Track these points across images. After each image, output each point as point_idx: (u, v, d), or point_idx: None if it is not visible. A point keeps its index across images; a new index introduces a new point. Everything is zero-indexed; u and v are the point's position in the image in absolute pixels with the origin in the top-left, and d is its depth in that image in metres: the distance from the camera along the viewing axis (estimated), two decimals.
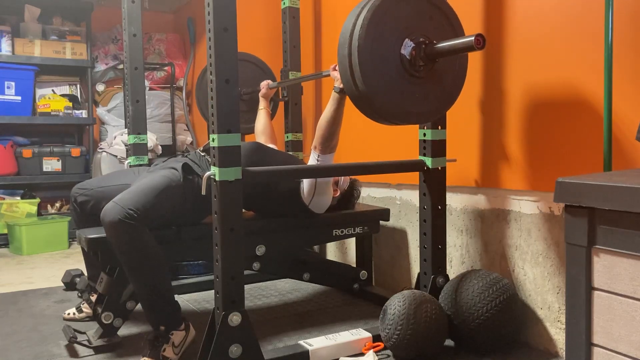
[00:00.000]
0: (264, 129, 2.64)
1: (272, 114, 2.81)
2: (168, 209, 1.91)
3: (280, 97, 2.97)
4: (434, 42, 1.62)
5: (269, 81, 2.74)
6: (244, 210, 1.99)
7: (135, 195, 1.81)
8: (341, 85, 1.83)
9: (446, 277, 2.01)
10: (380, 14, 1.56)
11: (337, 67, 1.91)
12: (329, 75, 2.11)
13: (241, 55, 2.93)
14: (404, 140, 2.36)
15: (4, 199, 4.06)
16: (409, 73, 1.62)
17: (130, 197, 1.80)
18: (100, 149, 4.24)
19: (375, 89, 1.57)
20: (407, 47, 1.61)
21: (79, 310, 2.30)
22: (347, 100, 1.79)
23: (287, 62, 2.92)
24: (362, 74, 1.54)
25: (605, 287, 1.06)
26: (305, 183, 2.09)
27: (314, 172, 2.04)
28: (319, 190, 2.11)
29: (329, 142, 2.02)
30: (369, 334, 1.90)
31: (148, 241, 1.78)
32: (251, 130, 2.82)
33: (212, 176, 1.63)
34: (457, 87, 1.75)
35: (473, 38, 1.50)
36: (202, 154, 2.12)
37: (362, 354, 1.84)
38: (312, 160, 2.06)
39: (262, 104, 2.71)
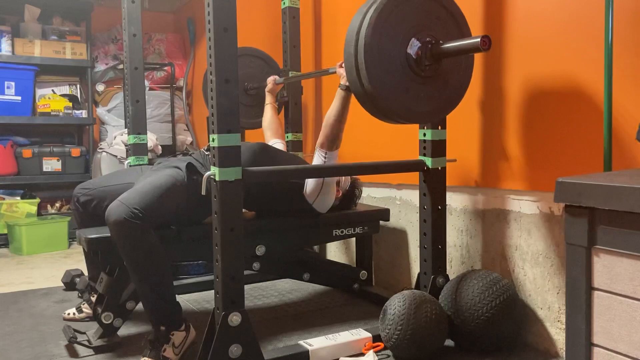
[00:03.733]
0: (269, 124, 2.68)
1: (278, 109, 2.83)
2: (172, 209, 1.91)
3: (281, 97, 2.97)
4: (440, 42, 1.62)
5: (276, 77, 2.76)
6: (244, 210, 1.99)
7: (140, 194, 1.81)
8: (347, 83, 1.83)
9: (446, 277, 2.01)
10: (387, 12, 1.56)
11: (343, 65, 1.91)
12: (335, 72, 2.12)
13: (248, 50, 2.96)
14: (404, 140, 2.36)
15: (4, 199, 4.06)
16: (414, 72, 1.62)
17: (135, 196, 1.80)
18: (100, 149, 4.24)
19: (380, 87, 1.57)
20: (413, 47, 1.61)
21: (79, 310, 2.30)
22: (353, 98, 1.79)
23: (287, 62, 2.92)
24: (367, 72, 1.54)
25: (605, 287, 1.06)
26: (311, 182, 2.09)
27: (314, 172, 2.04)
28: (325, 190, 2.12)
29: (335, 139, 2.03)
30: (369, 334, 1.90)
31: (152, 241, 1.78)
32: (257, 125, 2.86)
33: (212, 176, 1.63)
34: (462, 87, 1.76)
35: (479, 39, 1.50)
36: (207, 153, 2.12)
37: (362, 354, 1.84)
38: (318, 158, 2.06)
39: (268, 99, 2.74)
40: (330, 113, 2.01)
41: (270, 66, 3.02)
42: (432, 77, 1.66)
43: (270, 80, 2.75)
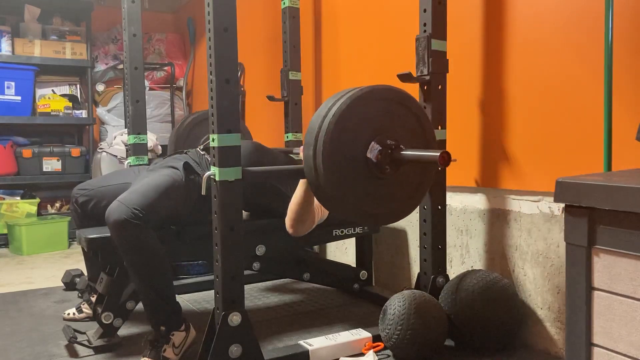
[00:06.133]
0: None
1: None
2: (171, 209, 1.91)
3: (281, 97, 2.97)
4: (401, 147, 1.58)
5: None
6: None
7: (140, 194, 1.81)
8: None
9: (446, 277, 2.01)
10: (346, 117, 1.52)
11: None
12: (298, 153, 2.06)
13: None
14: None
15: (4, 199, 4.06)
16: (374, 175, 1.59)
17: (134, 196, 1.80)
18: (100, 149, 4.24)
19: (338, 192, 1.54)
20: (373, 151, 1.57)
21: (79, 310, 2.30)
22: None
23: (287, 62, 2.93)
24: (325, 177, 1.52)
25: (605, 287, 1.06)
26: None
27: None
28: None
29: (300, 225, 1.94)
30: (369, 334, 1.90)
31: (152, 241, 1.78)
32: None
33: (212, 176, 1.63)
34: (423, 187, 1.72)
35: (438, 154, 1.47)
36: (202, 152, 2.12)
37: (362, 354, 1.84)
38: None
39: None
40: (294, 200, 1.89)
41: (242, 132, 2.96)
42: (392, 179, 1.62)
43: None
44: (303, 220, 1.92)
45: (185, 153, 2.15)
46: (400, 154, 1.58)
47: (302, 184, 1.86)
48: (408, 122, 1.65)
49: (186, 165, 1.99)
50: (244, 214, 2.18)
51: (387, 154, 1.58)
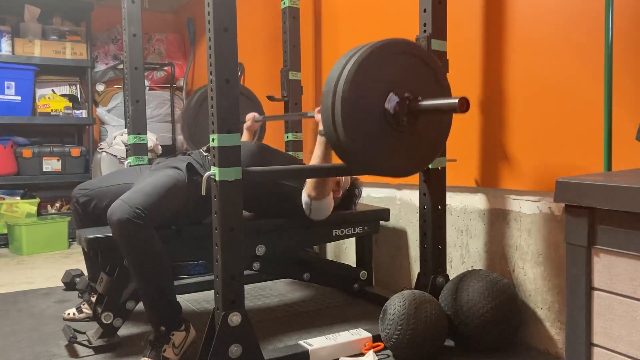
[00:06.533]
0: None
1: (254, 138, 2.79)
2: (173, 209, 1.91)
3: (281, 97, 2.97)
4: (419, 98, 1.59)
5: (255, 114, 2.70)
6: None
7: (143, 194, 1.81)
8: None
9: (446, 277, 2.01)
10: (366, 67, 1.53)
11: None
12: (313, 117, 2.08)
13: None
14: None
15: (4, 199, 4.06)
16: (391, 127, 1.59)
17: (137, 196, 1.80)
18: (100, 149, 4.24)
19: (356, 142, 1.54)
20: (391, 102, 1.57)
21: (79, 310, 2.30)
22: None
23: (287, 62, 2.93)
24: (344, 126, 1.52)
25: (605, 287, 1.06)
26: (304, 197, 2.07)
27: (314, 173, 2.04)
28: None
29: (322, 188, 1.99)
30: (369, 334, 1.90)
31: (154, 241, 1.78)
32: None
33: (212, 176, 1.63)
34: (439, 142, 1.73)
35: (457, 101, 1.47)
36: (205, 154, 2.12)
37: (362, 354, 1.84)
38: (305, 205, 2.05)
39: (245, 137, 2.68)
40: (312, 160, 1.96)
41: (252, 102, 2.97)
42: (409, 131, 1.62)
43: (250, 117, 2.67)
44: (323, 184, 1.98)
45: (189, 154, 2.15)
46: (418, 104, 1.58)
47: (320, 143, 1.91)
48: (426, 78, 1.66)
49: (189, 166, 1.99)
50: (245, 213, 2.18)
51: (405, 105, 1.58)
